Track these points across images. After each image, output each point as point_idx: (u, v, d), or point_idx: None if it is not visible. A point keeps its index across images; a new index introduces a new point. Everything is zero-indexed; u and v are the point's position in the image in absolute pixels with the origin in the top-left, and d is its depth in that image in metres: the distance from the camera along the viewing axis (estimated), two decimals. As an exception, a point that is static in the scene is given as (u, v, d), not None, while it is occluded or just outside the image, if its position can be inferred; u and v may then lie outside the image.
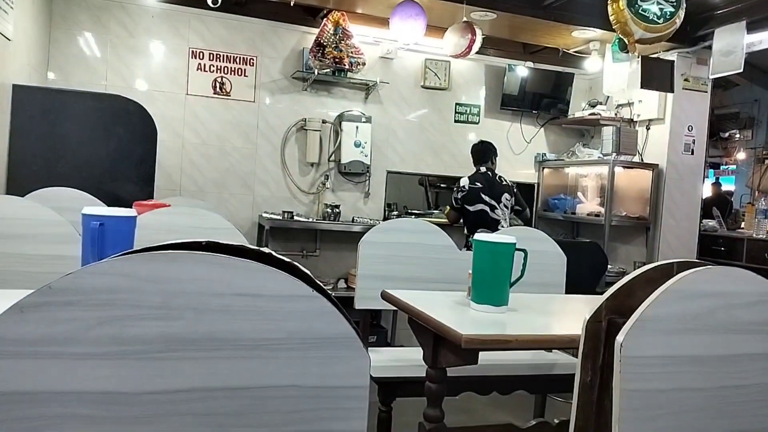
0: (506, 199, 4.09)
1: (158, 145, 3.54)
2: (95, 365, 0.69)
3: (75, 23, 4.14)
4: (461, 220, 4.15)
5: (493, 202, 4.04)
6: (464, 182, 4.10)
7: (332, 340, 0.77)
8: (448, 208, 4.31)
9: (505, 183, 4.15)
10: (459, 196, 4.09)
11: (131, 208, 1.58)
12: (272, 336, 0.75)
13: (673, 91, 4.43)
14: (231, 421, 0.74)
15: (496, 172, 4.18)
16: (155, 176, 3.51)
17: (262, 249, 0.85)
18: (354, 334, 0.79)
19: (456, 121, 5.10)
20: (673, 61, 4.41)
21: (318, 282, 0.82)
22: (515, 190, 4.23)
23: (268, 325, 0.75)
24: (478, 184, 4.06)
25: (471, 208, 4.04)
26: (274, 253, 0.84)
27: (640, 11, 2.89)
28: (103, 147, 3.36)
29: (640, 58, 4.25)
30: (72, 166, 3.26)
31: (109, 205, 1.87)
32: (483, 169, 4.14)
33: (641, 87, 4.26)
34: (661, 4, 2.88)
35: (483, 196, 4.03)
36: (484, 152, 4.19)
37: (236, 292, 0.73)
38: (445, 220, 4.20)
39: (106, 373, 0.70)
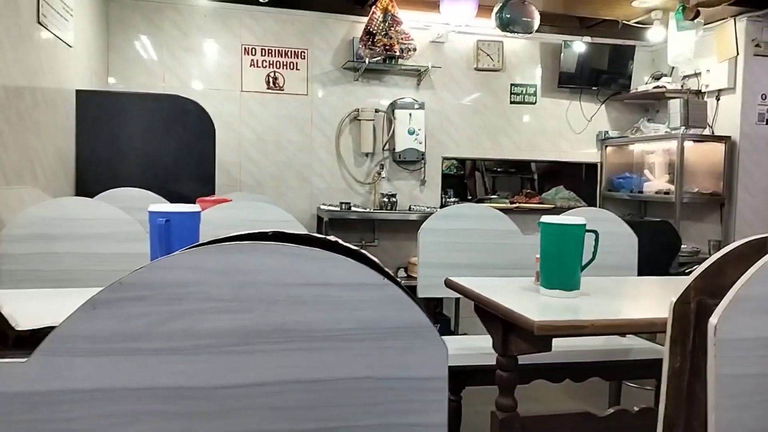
0: None
1: (216, 142, 3.59)
2: (168, 360, 0.68)
3: (131, 27, 4.25)
4: None
5: None
6: None
7: (406, 330, 0.74)
8: None
9: None
10: None
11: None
12: (344, 326, 0.72)
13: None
14: (306, 415, 0.72)
15: None
16: (215, 173, 3.57)
17: (328, 237, 0.82)
18: (429, 323, 0.75)
19: (512, 102, 4.97)
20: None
21: (387, 270, 0.79)
22: None
23: (340, 314, 0.72)
24: None
25: None
26: (340, 241, 0.81)
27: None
28: (165, 146, 3.43)
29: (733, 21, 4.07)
30: (135, 167, 3.35)
31: (172, 203, 1.89)
32: None
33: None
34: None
35: None
36: None
37: (306, 281, 0.70)
38: (506, 204, 3.88)
39: (179, 368, 0.68)
